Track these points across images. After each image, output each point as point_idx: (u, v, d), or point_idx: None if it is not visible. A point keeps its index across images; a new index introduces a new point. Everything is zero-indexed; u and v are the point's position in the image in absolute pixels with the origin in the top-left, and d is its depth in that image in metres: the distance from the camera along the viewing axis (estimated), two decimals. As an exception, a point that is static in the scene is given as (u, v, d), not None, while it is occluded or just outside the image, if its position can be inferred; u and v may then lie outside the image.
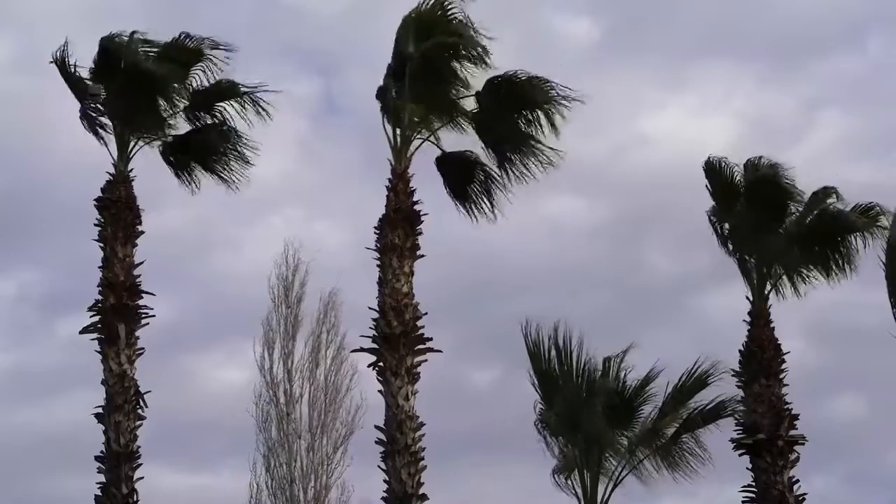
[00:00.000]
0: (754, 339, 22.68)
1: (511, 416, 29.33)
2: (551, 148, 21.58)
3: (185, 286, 41.01)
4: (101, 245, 21.31)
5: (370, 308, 20.73)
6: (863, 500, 43.52)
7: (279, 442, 32.46)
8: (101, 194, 21.48)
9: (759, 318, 22.79)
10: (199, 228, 42.66)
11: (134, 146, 21.90)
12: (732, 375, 22.20)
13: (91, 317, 21.04)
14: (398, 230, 20.78)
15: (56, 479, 38.88)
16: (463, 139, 22.11)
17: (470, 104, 21.72)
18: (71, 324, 22.69)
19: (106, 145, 21.77)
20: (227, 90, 22.21)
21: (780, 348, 22.67)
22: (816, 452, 23.24)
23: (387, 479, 20.01)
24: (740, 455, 22.32)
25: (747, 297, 22.97)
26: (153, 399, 20.95)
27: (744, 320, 22.93)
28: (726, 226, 23.40)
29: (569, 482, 20.37)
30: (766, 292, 22.94)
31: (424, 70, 21.00)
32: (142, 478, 20.53)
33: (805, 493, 22.10)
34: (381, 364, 20.43)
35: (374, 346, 20.53)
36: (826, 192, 23.00)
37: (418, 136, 21.60)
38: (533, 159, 21.75)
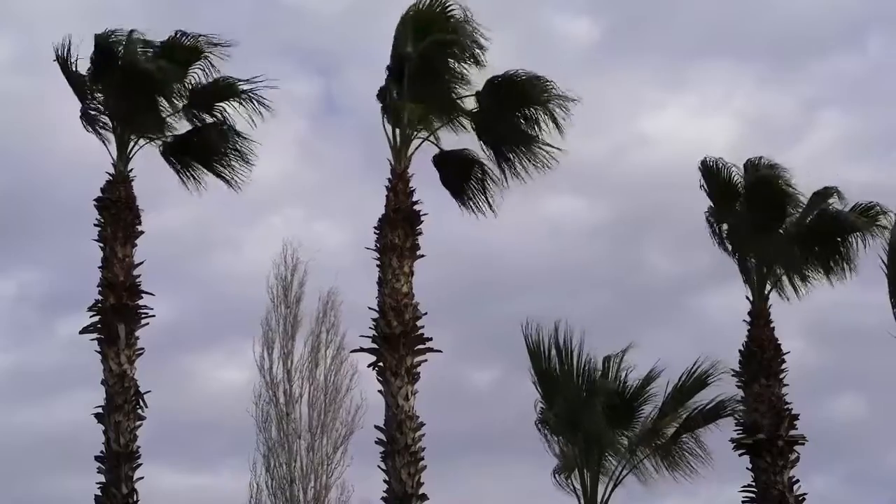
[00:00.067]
0: (754, 339, 22.67)
1: (511, 416, 29.41)
2: (551, 146, 21.61)
3: (185, 286, 41.08)
4: (101, 245, 21.29)
5: (370, 308, 20.75)
6: (863, 500, 43.58)
7: (279, 442, 32.47)
8: (100, 194, 21.47)
9: (759, 318, 22.79)
10: (198, 228, 42.72)
11: (134, 146, 21.89)
12: (732, 375, 22.20)
13: (91, 317, 21.04)
14: (398, 230, 20.78)
15: (56, 479, 38.94)
16: (463, 139, 22.18)
17: (470, 103, 21.74)
18: (71, 324, 22.73)
19: (106, 145, 21.81)
20: (226, 89, 22.19)
21: (780, 348, 22.67)
22: (816, 452, 23.26)
23: (387, 479, 20.01)
24: (740, 455, 22.32)
25: (747, 298, 22.98)
26: (153, 399, 20.98)
27: (744, 320, 22.93)
28: (724, 226, 23.38)
29: (569, 482, 20.39)
30: (766, 292, 22.94)
31: (423, 69, 21.01)
32: (142, 478, 20.54)
33: (805, 493, 22.11)
34: (381, 364, 20.43)
35: (374, 346, 20.53)
36: (827, 192, 23.00)
37: (418, 136, 21.61)
38: (532, 158, 21.76)
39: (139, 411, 20.76)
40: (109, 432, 20.47)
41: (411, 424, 20.08)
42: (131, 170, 21.72)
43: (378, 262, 20.83)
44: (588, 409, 20.00)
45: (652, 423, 20.70)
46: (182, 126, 22.50)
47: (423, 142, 21.69)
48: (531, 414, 20.64)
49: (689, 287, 41.37)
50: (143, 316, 21.14)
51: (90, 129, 21.83)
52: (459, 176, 22.32)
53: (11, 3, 41.58)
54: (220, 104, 22.35)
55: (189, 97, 22.25)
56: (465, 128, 21.92)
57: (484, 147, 22.03)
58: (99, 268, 21.19)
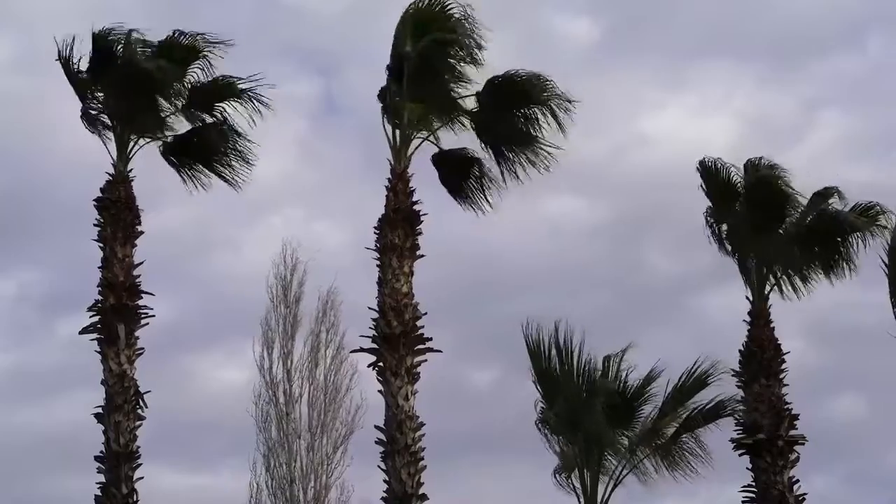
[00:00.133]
0: (754, 339, 22.67)
1: (511, 416, 29.40)
2: (551, 145, 21.61)
3: (185, 286, 41.08)
4: (101, 245, 21.29)
5: (370, 308, 20.75)
6: (863, 500, 43.57)
7: (279, 442, 32.47)
8: (100, 194, 21.47)
9: (759, 318, 22.78)
10: (198, 228, 42.74)
11: (133, 146, 21.89)
12: (732, 375, 22.20)
13: (91, 317, 21.04)
14: (398, 230, 20.78)
15: (56, 479, 38.94)
16: (462, 139, 22.19)
17: (470, 103, 21.73)
18: (71, 324, 22.74)
19: (105, 145, 21.80)
20: (225, 88, 22.18)
21: (780, 348, 22.66)
22: (816, 452, 23.25)
23: (387, 479, 20.01)
24: (740, 455, 22.31)
25: (747, 298, 22.97)
26: (153, 399, 20.97)
27: (744, 320, 22.92)
28: (724, 227, 23.38)
29: (569, 482, 20.40)
30: (766, 292, 22.94)
31: (422, 68, 21.00)
32: (142, 478, 20.53)
33: (805, 493, 22.10)
34: (380, 364, 20.43)
35: (374, 346, 20.53)
36: (827, 192, 22.99)
37: (418, 136, 21.61)
38: (533, 157, 21.76)
39: (139, 411, 20.75)
40: (109, 432, 20.46)
41: (411, 424, 20.08)
42: (131, 170, 21.74)
43: (378, 262, 20.83)
44: (588, 409, 20.01)
45: (652, 422, 20.71)
46: (182, 126, 22.53)
47: (422, 141, 21.71)
48: (531, 414, 20.68)
49: (689, 287, 41.41)
50: (142, 316, 21.14)
51: (92, 130, 21.85)
52: (458, 174, 22.34)
53: (11, 3, 41.61)
54: (220, 105, 22.35)
55: (188, 97, 22.24)
56: (465, 127, 21.93)
57: (484, 147, 22.05)
58: (99, 268, 21.19)
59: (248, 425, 32.43)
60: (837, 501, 38.23)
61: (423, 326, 20.61)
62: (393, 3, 21.70)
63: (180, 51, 21.85)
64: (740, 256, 23.16)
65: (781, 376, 22.55)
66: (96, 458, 20.57)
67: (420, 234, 20.97)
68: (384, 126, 21.38)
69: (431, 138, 21.87)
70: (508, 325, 21.61)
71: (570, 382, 20.58)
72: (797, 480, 22.13)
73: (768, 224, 23.06)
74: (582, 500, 20.23)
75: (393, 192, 21.01)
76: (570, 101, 21.07)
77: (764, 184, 23.05)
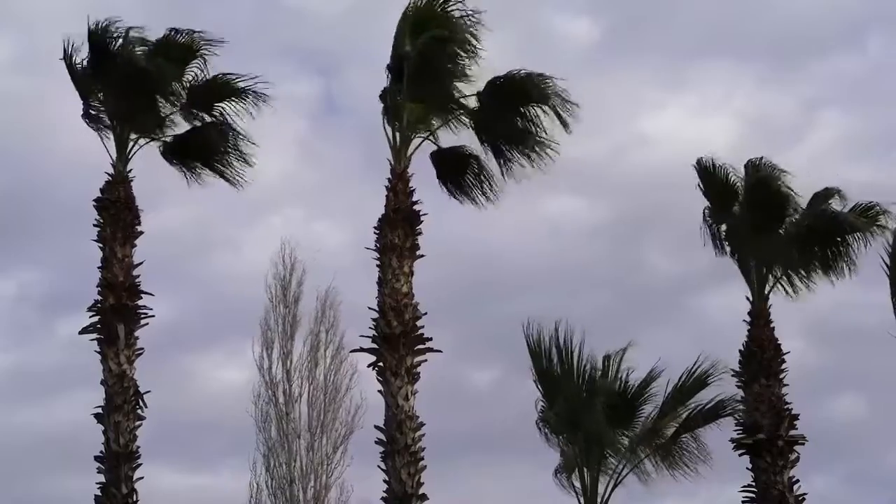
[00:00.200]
0: (754, 339, 22.67)
1: (511, 415, 29.40)
2: (551, 142, 21.59)
3: (185, 286, 41.05)
4: (101, 245, 21.29)
5: (370, 308, 20.75)
6: (863, 500, 43.56)
7: (279, 442, 32.45)
8: (100, 195, 21.47)
9: (759, 318, 22.78)
10: (198, 228, 42.75)
11: (133, 146, 21.89)
12: (732, 375, 22.19)
13: (90, 317, 21.05)
14: (398, 230, 20.78)
15: (56, 479, 38.91)
16: (462, 138, 22.19)
17: (470, 102, 21.70)
18: (71, 324, 22.73)
19: (105, 145, 21.81)
20: (224, 86, 22.19)
21: (780, 348, 22.66)
22: (816, 452, 23.26)
23: (387, 479, 20.01)
24: (740, 455, 22.32)
25: (747, 298, 22.97)
26: (153, 399, 20.99)
27: (744, 320, 22.92)
28: (723, 227, 23.37)
29: (570, 481, 20.39)
30: (766, 292, 22.94)
31: (421, 67, 20.99)
32: (141, 478, 20.54)
33: (805, 493, 22.11)
34: (380, 364, 20.43)
35: (374, 346, 20.53)
36: (828, 192, 22.99)
37: (418, 136, 21.61)
38: (533, 156, 21.74)
39: (139, 411, 20.76)
40: (109, 432, 20.47)
41: (411, 424, 20.08)
42: (130, 170, 21.75)
43: (378, 262, 20.83)
44: (588, 409, 20.01)
45: (652, 422, 20.70)
46: (181, 126, 22.52)
47: (423, 141, 21.71)
48: (531, 414, 20.67)
49: (689, 287, 41.36)
50: (142, 316, 21.15)
51: (96, 129, 21.83)
52: (456, 170, 22.33)
53: (11, 3, 41.61)
54: (220, 105, 22.35)
55: (187, 96, 22.24)
56: (465, 126, 21.92)
57: (484, 146, 22.02)
58: (98, 268, 21.20)
59: (247, 425, 32.47)
60: (837, 501, 38.28)
61: (423, 326, 20.62)
62: (393, 3, 21.73)
63: (178, 50, 21.85)
64: (740, 257, 23.16)
65: (781, 376, 22.55)
66: (96, 458, 20.58)
67: (420, 234, 20.98)
68: (384, 126, 21.41)
69: (431, 138, 21.88)
70: (508, 325, 21.63)
71: (570, 382, 20.58)
72: (797, 480, 22.13)
73: (768, 224, 23.06)
74: (582, 499, 20.22)
75: (393, 192, 21.01)
76: (571, 103, 21.09)
77: (763, 184, 23.05)
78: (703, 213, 23.28)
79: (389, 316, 20.44)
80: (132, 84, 21.40)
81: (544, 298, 36.11)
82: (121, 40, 21.53)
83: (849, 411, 40.09)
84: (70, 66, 21.69)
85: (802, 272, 23.30)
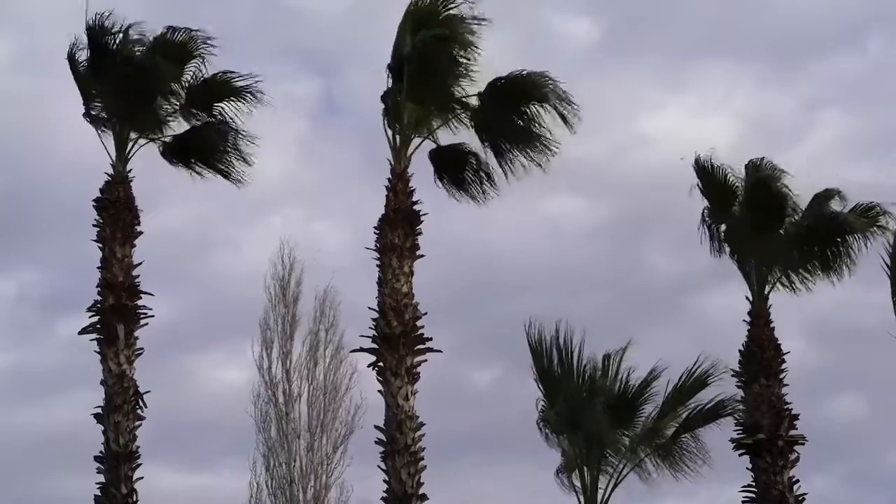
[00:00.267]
0: (754, 339, 22.66)
1: (511, 415, 29.42)
2: (551, 141, 21.57)
3: (185, 286, 41.05)
4: (100, 246, 21.29)
5: (370, 308, 20.75)
6: (863, 500, 43.55)
7: (278, 442, 32.45)
8: (99, 195, 21.47)
9: (759, 318, 22.78)
10: (198, 228, 42.75)
11: (133, 146, 21.88)
12: (732, 375, 22.19)
13: (90, 317, 21.04)
14: (398, 230, 20.77)
15: (56, 479, 38.89)
16: (462, 138, 22.17)
17: (471, 101, 21.68)
18: (71, 324, 22.71)
19: (104, 145, 21.80)
20: (223, 85, 22.18)
21: (780, 348, 22.66)
22: (816, 452, 23.24)
23: (387, 479, 20.00)
24: (740, 455, 22.31)
25: (747, 298, 22.96)
26: (153, 399, 20.98)
27: (744, 320, 22.91)
28: (722, 227, 23.37)
29: (571, 481, 20.39)
30: (766, 292, 22.93)
31: (421, 65, 20.96)
32: (141, 478, 20.53)
33: (805, 493, 22.10)
34: (380, 364, 20.43)
35: (374, 346, 20.53)
36: (828, 193, 22.98)
37: (418, 136, 21.60)
38: (534, 155, 21.72)
39: (138, 411, 20.76)
40: (109, 432, 20.46)
41: (411, 424, 20.08)
42: (130, 170, 21.74)
43: (378, 262, 20.83)
44: (589, 409, 20.01)
45: (652, 422, 20.70)
46: (181, 125, 22.52)
47: (423, 141, 21.70)
48: (531, 413, 20.68)
49: (689, 287, 41.31)
50: (142, 316, 21.15)
51: (97, 129, 21.83)
52: (455, 167, 22.32)
53: (11, 3, 41.57)
54: (219, 104, 22.34)
55: (186, 95, 22.23)
56: (465, 126, 21.90)
57: (484, 145, 22.00)
58: (98, 268, 21.20)
59: (247, 425, 32.47)
60: (837, 501, 38.27)
61: (423, 326, 20.62)
62: (393, 3, 21.72)
63: (176, 48, 21.83)
64: (740, 257, 23.16)
65: (781, 376, 22.54)
66: (96, 459, 20.58)
67: (420, 234, 20.97)
68: (385, 127, 21.40)
69: (431, 138, 21.86)
70: (508, 325, 21.64)
71: (571, 382, 20.59)
72: (797, 480, 22.13)
73: (768, 224, 23.05)
74: (582, 499, 20.23)
75: (393, 192, 21.01)
76: (570, 101, 21.08)
77: (763, 184, 23.04)
78: (703, 213, 23.28)
79: (389, 316, 20.43)
80: (131, 82, 21.39)
81: (544, 298, 36.13)
82: (120, 36, 21.52)
83: (849, 411, 40.13)
84: (72, 64, 21.70)
85: (802, 272, 23.30)
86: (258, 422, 32.56)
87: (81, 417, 21.15)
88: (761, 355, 22.51)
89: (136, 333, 21.05)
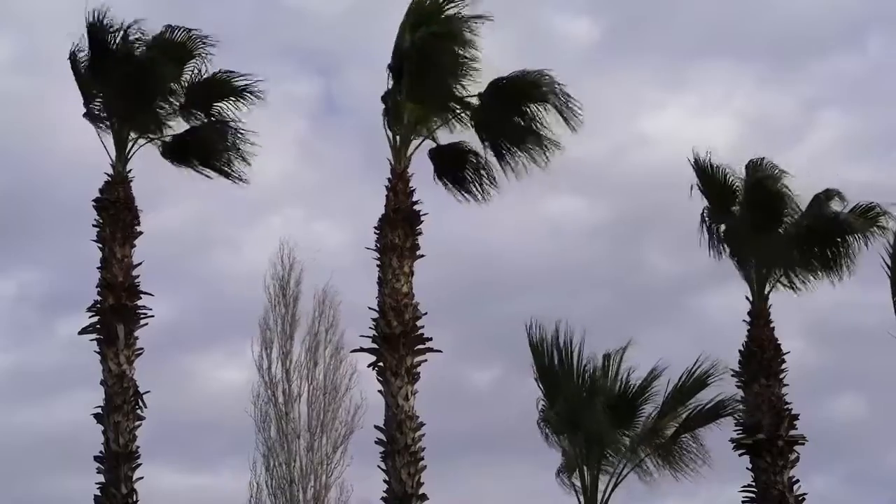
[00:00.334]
0: (754, 339, 22.66)
1: (511, 415, 29.41)
2: (552, 139, 21.55)
3: (185, 286, 41.07)
4: (100, 246, 21.29)
5: (370, 308, 20.75)
6: (863, 500, 43.55)
7: (278, 442, 32.44)
8: (99, 195, 21.47)
9: (759, 318, 22.78)
10: (198, 228, 42.77)
11: (132, 146, 21.88)
12: (732, 375, 22.19)
13: (90, 317, 21.05)
14: (398, 230, 20.77)
15: (56, 479, 38.89)
16: (462, 136, 22.17)
17: (471, 100, 21.66)
18: (71, 324, 22.71)
19: (104, 145, 21.80)
20: (223, 84, 22.18)
21: (780, 348, 22.66)
22: (816, 452, 23.25)
23: (387, 479, 20.00)
24: (740, 455, 22.31)
25: (747, 298, 22.97)
26: (153, 399, 20.98)
27: (744, 320, 22.92)
28: (721, 227, 23.37)
29: (571, 481, 20.39)
30: (766, 292, 22.93)
31: (421, 64, 20.96)
32: (141, 478, 20.54)
33: (805, 493, 22.11)
34: (380, 364, 20.42)
35: (374, 346, 20.53)
36: (828, 194, 22.98)
37: (418, 136, 21.59)
38: (535, 154, 21.71)
39: (138, 411, 20.76)
40: (109, 432, 20.47)
41: (411, 424, 20.08)
42: (130, 170, 21.74)
43: (378, 262, 20.83)
44: (589, 409, 20.01)
45: (652, 422, 20.70)
46: (180, 124, 22.52)
47: (423, 141, 21.70)
48: (532, 413, 20.68)
49: (689, 287, 41.32)
50: (142, 316, 21.15)
51: (97, 128, 21.83)
52: (454, 165, 22.31)
53: (11, 3, 41.58)
54: (218, 104, 22.35)
55: (186, 94, 22.23)
56: (466, 125, 21.89)
57: (484, 145, 21.98)
58: (98, 268, 21.20)
59: (247, 425, 32.46)
60: (837, 501, 38.27)
61: (423, 326, 20.62)
62: (393, 3, 21.72)
63: (175, 48, 21.83)
64: (740, 257, 23.16)
65: (781, 376, 22.55)
66: (96, 459, 20.58)
67: (420, 234, 20.97)
68: (385, 127, 21.39)
69: (431, 138, 21.85)
70: (508, 325, 21.64)
71: (571, 382, 20.58)
72: (797, 480, 22.13)
73: (767, 224, 23.05)
74: (582, 499, 20.22)
75: (393, 192, 21.01)
76: (573, 100, 21.10)
77: (762, 184, 23.05)
78: (703, 213, 23.28)
79: (389, 316, 20.43)
80: (131, 82, 21.39)
81: (544, 298, 36.13)
82: (121, 34, 21.50)
83: (849, 411, 40.13)
84: (74, 64, 21.70)
85: (802, 272, 23.30)
86: (258, 422, 32.58)
87: (81, 417, 21.21)
88: (761, 355, 22.51)
89: (135, 333, 21.06)
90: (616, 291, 42.19)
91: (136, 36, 21.63)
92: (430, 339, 20.60)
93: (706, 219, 23.28)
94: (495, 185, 22.29)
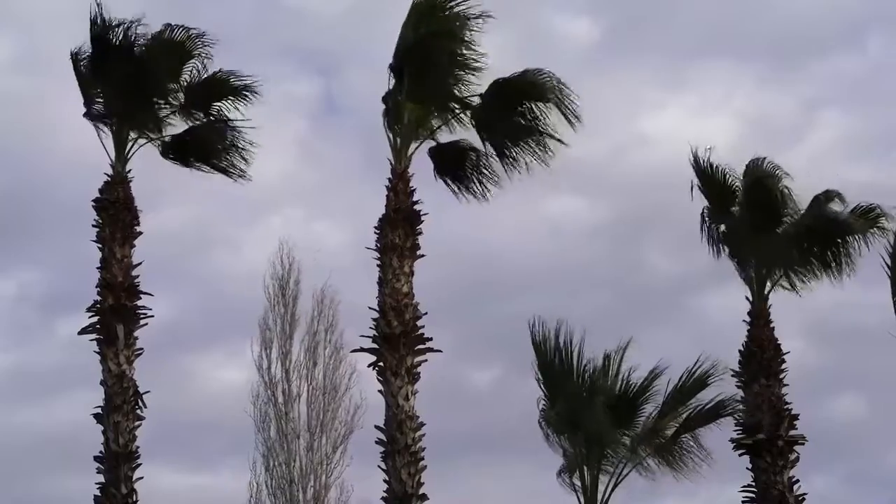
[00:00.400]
0: (754, 339, 22.67)
1: (511, 415, 29.39)
2: (553, 138, 21.54)
3: (185, 286, 41.06)
4: (100, 246, 21.28)
5: (370, 308, 20.75)
6: (863, 500, 43.55)
7: (278, 442, 32.44)
8: (99, 195, 21.46)
9: (759, 318, 22.79)
10: (197, 228, 42.77)
11: (132, 146, 21.87)
12: (732, 375, 22.20)
13: (90, 317, 21.04)
14: (398, 230, 20.77)
15: (56, 479, 38.88)
16: (462, 136, 22.16)
17: (472, 100, 21.66)
18: (71, 324, 22.70)
19: (104, 145, 21.79)
20: (222, 84, 22.17)
21: (780, 348, 22.67)
22: (816, 452, 23.27)
23: (387, 479, 20.00)
24: (740, 455, 22.33)
25: (747, 298, 22.97)
26: (153, 399, 20.97)
27: (744, 320, 22.93)
28: (721, 227, 23.37)
29: (572, 481, 20.38)
30: (765, 293, 22.93)
31: (421, 63, 20.96)
32: (141, 478, 20.53)
33: (805, 493, 22.12)
34: (381, 364, 20.42)
35: (374, 345, 20.53)
36: (828, 195, 22.99)
37: (418, 136, 21.58)
38: (535, 153, 21.70)
39: (138, 411, 20.76)
40: (108, 432, 20.46)
41: (411, 424, 20.08)
42: (129, 170, 21.73)
43: (378, 262, 20.83)
44: (589, 409, 20.00)
45: (653, 422, 20.69)
46: (179, 124, 22.50)
47: (423, 141, 21.69)
48: (532, 413, 20.65)
49: (689, 287, 41.32)
50: (141, 316, 21.15)
51: (98, 126, 21.82)
52: (454, 163, 22.30)
53: (11, 3, 41.58)
54: (218, 103, 22.35)
55: (186, 94, 22.23)
56: (466, 125, 21.88)
57: (485, 144, 21.97)
58: (97, 268, 21.19)
59: (247, 425, 32.46)
60: (837, 501, 38.27)
61: (423, 326, 20.62)
62: (393, 3, 21.71)
63: (175, 47, 21.82)
64: (739, 257, 23.16)
65: (781, 376, 22.56)
66: (96, 459, 20.58)
67: (420, 234, 20.97)
68: (385, 127, 21.38)
69: (432, 138, 21.85)
70: (508, 325, 21.65)
71: (571, 382, 20.58)
72: (797, 480, 22.14)
73: (767, 225, 23.06)
74: (582, 499, 20.21)
75: (393, 191, 21.00)
76: (573, 101, 21.09)
77: (762, 185, 23.05)
78: (702, 213, 23.28)
79: (390, 316, 20.43)
80: (131, 81, 21.39)
81: (544, 298, 36.09)
82: (122, 32, 21.48)
83: (849, 411, 40.12)
84: (75, 63, 21.70)
85: (802, 272, 23.30)
86: (258, 422, 32.58)
87: (81, 417, 21.20)
88: (761, 355, 22.52)
89: (135, 333, 21.05)
90: (616, 291, 42.24)
91: (138, 33, 21.65)
92: (431, 339, 20.61)
93: (706, 219, 23.29)
94: (495, 183, 22.31)
